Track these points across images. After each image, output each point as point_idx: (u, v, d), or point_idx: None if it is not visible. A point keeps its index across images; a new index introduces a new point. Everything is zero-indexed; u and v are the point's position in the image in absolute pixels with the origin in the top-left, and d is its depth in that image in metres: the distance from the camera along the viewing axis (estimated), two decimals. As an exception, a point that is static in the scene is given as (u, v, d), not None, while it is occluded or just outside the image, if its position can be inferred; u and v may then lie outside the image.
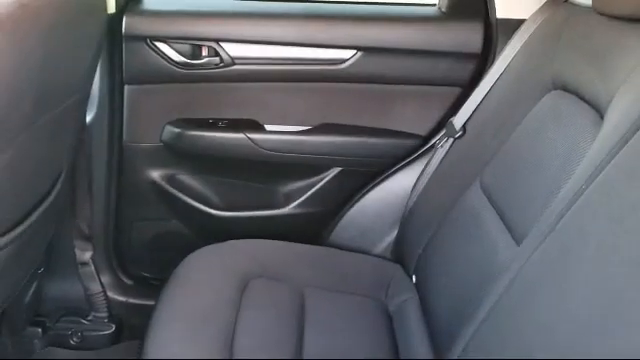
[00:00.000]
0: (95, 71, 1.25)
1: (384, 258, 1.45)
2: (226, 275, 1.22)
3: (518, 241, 0.92)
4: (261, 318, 1.13)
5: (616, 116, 0.83)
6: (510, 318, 0.83)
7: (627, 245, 0.69)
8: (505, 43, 1.27)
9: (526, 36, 1.21)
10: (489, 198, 1.09)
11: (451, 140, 1.31)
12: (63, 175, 1.20)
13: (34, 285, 1.42)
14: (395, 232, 1.46)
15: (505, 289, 0.86)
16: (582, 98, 0.96)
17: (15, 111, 0.85)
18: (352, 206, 1.52)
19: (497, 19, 1.38)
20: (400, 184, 1.47)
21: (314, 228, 1.55)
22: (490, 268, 0.93)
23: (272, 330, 1.11)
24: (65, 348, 1.50)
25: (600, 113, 0.89)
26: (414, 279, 1.27)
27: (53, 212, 1.18)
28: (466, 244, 1.09)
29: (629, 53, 0.88)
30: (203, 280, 1.21)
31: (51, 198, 1.13)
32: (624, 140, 0.78)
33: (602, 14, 0.99)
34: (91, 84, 1.24)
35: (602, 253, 0.72)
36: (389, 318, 1.23)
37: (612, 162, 0.78)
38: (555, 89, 1.05)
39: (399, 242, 1.43)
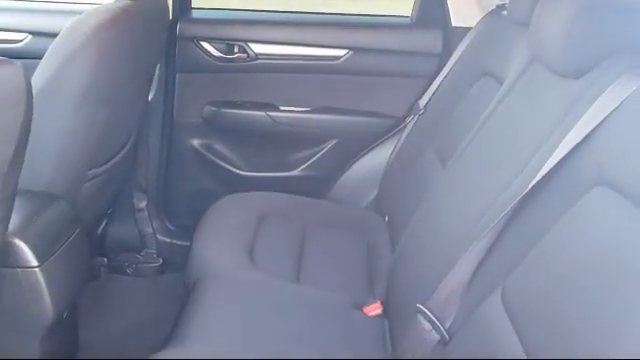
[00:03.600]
0: (158, 61, 1.70)
1: (369, 210, 1.85)
2: (248, 211, 1.63)
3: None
4: (273, 237, 1.55)
5: (505, 82, 1.27)
6: (431, 217, 1.26)
7: (497, 162, 1.13)
8: (458, 45, 1.68)
9: (470, 39, 1.64)
10: (438, 155, 1.52)
11: (417, 117, 1.73)
12: (133, 136, 1.65)
13: (104, 222, 1.86)
14: (377, 191, 1.85)
15: (429, 199, 1.29)
16: (494, 77, 1.39)
17: (116, 78, 1.31)
18: (345, 171, 1.91)
19: (453, 27, 1.79)
20: (381, 154, 1.85)
21: (315, 188, 1.91)
22: (426, 188, 1.36)
23: (281, 244, 1.54)
24: (123, 275, 1.89)
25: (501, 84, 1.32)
26: (386, 219, 1.69)
27: (127, 159, 1.63)
28: (417, 184, 1.51)
29: (520, 45, 1.31)
30: (231, 213, 1.63)
31: (127, 148, 1.58)
32: (506, 95, 1.22)
33: (512, 21, 1.43)
34: (155, 70, 1.69)
35: (482, 169, 1.16)
36: (367, 247, 1.64)
37: (497, 109, 1.22)
38: (484, 75, 1.48)
39: (379, 197, 1.84)
